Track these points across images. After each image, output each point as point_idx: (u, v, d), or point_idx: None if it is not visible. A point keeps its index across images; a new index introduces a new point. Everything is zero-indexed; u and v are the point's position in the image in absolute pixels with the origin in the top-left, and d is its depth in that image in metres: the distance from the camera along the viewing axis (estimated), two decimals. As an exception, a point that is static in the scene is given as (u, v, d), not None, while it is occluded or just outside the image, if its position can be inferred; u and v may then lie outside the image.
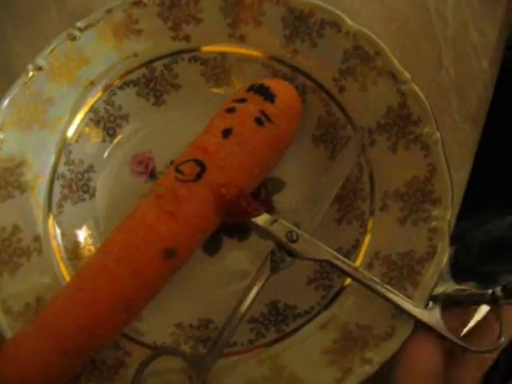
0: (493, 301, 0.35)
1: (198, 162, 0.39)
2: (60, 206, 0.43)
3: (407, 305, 0.37)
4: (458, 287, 0.39)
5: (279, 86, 0.43)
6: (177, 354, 0.37)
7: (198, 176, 0.38)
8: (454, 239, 1.20)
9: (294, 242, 0.38)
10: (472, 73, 0.51)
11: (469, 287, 0.39)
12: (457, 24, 0.52)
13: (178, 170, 0.39)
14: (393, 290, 0.37)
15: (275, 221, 0.39)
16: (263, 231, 0.39)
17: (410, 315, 0.37)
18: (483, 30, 0.52)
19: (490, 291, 0.36)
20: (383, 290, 0.37)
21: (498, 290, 0.35)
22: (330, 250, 0.38)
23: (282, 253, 0.39)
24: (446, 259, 0.40)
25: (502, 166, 0.66)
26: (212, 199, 0.38)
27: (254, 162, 0.41)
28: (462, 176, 0.47)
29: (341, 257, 0.38)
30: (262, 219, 0.39)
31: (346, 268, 0.38)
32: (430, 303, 0.38)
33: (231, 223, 0.41)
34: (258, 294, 0.37)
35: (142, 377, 0.35)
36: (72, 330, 0.34)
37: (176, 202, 0.37)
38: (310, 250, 0.38)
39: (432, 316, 0.36)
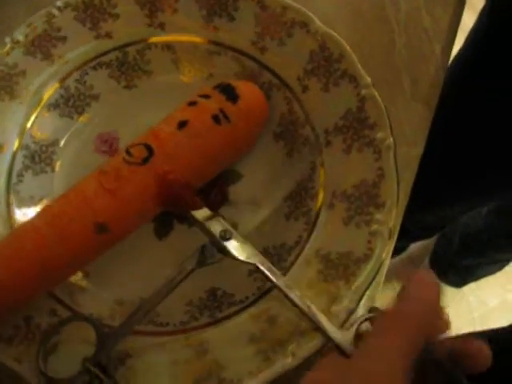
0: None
1: (148, 147, 0.40)
2: (20, 175, 0.44)
3: (324, 322, 0.37)
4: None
5: (246, 88, 0.44)
6: (88, 322, 0.38)
7: (145, 160, 0.39)
8: (435, 229, 1.21)
9: (226, 240, 0.39)
10: (424, 56, 0.52)
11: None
12: (409, 8, 0.54)
13: (127, 152, 0.40)
14: (311, 305, 0.37)
15: (213, 217, 0.40)
16: (199, 225, 0.40)
17: (323, 333, 0.37)
18: (435, 15, 0.54)
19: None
20: (301, 304, 0.37)
21: None
22: (259, 255, 0.39)
23: (213, 249, 0.39)
24: (384, 263, 0.40)
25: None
26: (154, 185, 0.39)
27: (203, 157, 0.41)
28: (415, 153, 0.48)
29: (268, 263, 0.39)
30: (200, 213, 0.40)
31: (269, 275, 0.39)
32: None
33: (173, 211, 0.42)
34: (179, 283, 0.38)
35: (50, 341, 0.36)
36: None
37: (117, 181, 0.38)
38: (240, 251, 0.39)
39: (344, 337, 0.36)
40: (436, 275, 1.23)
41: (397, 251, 1.23)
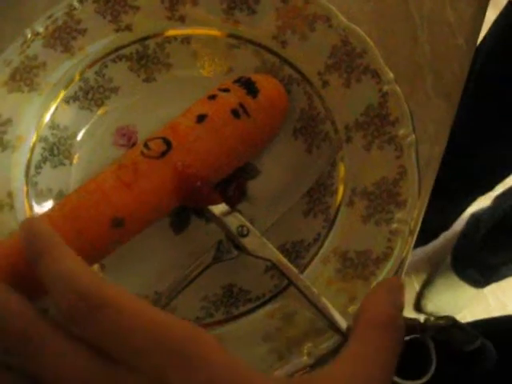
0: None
1: (166, 141, 0.40)
2: (39, 167, 0.44)
3: (341, 321, 0.36)
4: None
5: (266, 83, 0.44)
6: None
7: (163, 154, 0.39)
8: (434, 232, 1.20)
9: (243, 236, 0.39)
10: (447, 51, 0.51)
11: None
12: (433, 3, 0.52)
13: (145, 145, 0.40)
14: (328, 304, 0.37)
15: (230, 212, 0.39)
16: (216, 220, 0.39)
17: (340, 332, 0.36)
18: (459, 8, 0.52)
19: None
20: (319, 302, 0.37)
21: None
22: (276, 251, 0.39)
23: (230, 245, 0.39)
24: (404, 262, 0.39)
25: None
26: (172, 179, 0.39)
27: (221, 151, 0.41)
28: (436, 151, 0.46)
29: (285, 260, 0.38)
30: (218, 208, 0.39)
31: (286, 272, 0.38)
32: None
33: (191, 206, 0.41)
34: (195, 278, 0.38)
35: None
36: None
37: (135, 174, 0.38)
38: (257, 247, 0.39)
39: None
40: (458, 274, 1.22)
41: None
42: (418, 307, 1.25)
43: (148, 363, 0.24)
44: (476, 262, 1.18)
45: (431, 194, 0.45)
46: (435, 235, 1.23)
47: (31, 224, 0.30)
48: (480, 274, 1.19)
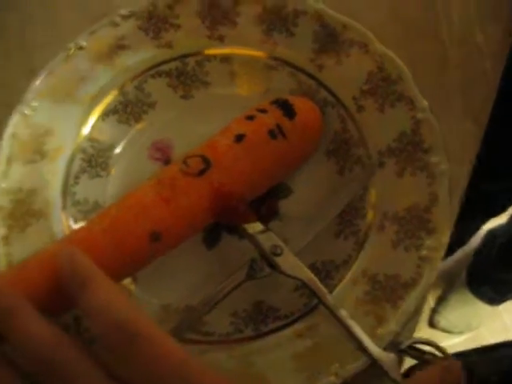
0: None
1: (205, 159, 0.41)
2: (77, 177, 0.46)
3: (368, 342, 0.38)
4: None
5: (303, 105, 0.45)
6: None
7: (201, 172, 0.40)
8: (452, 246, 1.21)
9: (277, 255, 0.40)
10: (476, 73, 0.52)
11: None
12: (463, 25, 0.53)
13: (184, 162, 0.41)
14: (357, 325, 0.38)
15: (265, 231, 0.40)
16: (250, 238, 0.40)
17: (368, 354, 0.37)
18: (488, 31, 0.53)
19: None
20: (348, 322, 0.38)
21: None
22: (308, 271, 0.40)
23: (263, 263, 0.40)
24: (430, 287, 0.40)
25: None
26: (209, 196, 0.40)
27: (257, 171, 0.42)
28: (464, 171, 0.47)
29: (316, 280, 0.39)
30: (252, 226, 0.40)
31: (317, 292, 0.39)
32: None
33: (224, 223, 0.42)
34: (227, 295, 0.39)
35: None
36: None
37: (173, 190, 0.39)
38: (289, 266, 0.40)
39: (389, 359, 0.37)
40: (473, 291, 1.22)
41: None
42: (431, 323, 1.25)
43: None
44: (491, 280, 1.18)
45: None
46: (451, 251, 1.23)
47: (71, 255, 0.31)
48: (495, 292, 1.19)
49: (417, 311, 0.40)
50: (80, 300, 0.29)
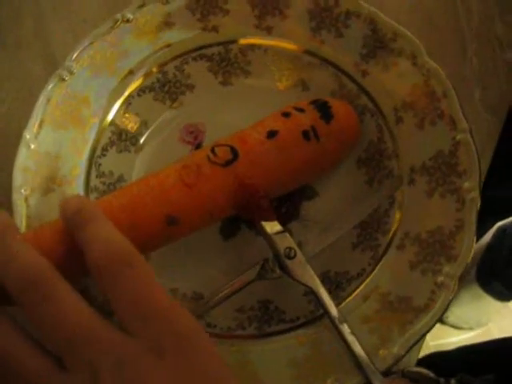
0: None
1: (233, 150, 0.40)
2: (105, 149, 0.46)
3: (366, 361, 0.37)
4: (416, 369, 0.39)
5: (342, 109, 0.43)
6: None
7: (228, 162, 0.40)
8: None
9: (290, 258, 0.39)
10: (495, 64, 0.51)
11: (427, 372, 0.39)
12: (482, 15, 0.52)
13: (212, 151, 0.40)
14: (358, 343, 0.37)
15: (281, 232, 0.40)
16: (266, 237, 0.40)
17: (364, 374, 0.37)
18: (508, 21, 0.52)
19: (443, 380, 0.35)
20: (349, 338, 0.37)
21: (453, 381, 0.35)
22: (317, 280, 0.39)
23: (275, 264, 0.39)
24: (442, 315, 0.39)
25: None
26: (231, 188, 0.39)
27: (285, 170, 0.41)
28: (482, 164, 0.44)
29: (325, 291, 0.39)
30: (270, 225, 0.40)
31: (323, 301, 0.38)
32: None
33: (244, 216, 0.42)
34: (236, 292, 0.39)
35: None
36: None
37: (197, 177, 0.39)
38: (300, 272, 0.39)
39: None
40: (483, 286, 1.20)
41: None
42: (440, 319, 1.23)
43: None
44: (501, 275, 1.15)
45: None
46: None
47: (78, 198, 0.34)
48: (505, 287, 1.16)
49: (424, 337, 0.39)
50: (84, 232, 0.30)
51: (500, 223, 1.19)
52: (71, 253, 0.34)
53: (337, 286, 0.42)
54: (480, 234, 1.16)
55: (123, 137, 0.46)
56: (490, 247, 1.20)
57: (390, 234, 0.42)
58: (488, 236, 1.21)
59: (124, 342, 0.27)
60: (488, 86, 0.50)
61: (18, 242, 0.30)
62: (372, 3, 0.45)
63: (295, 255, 0.39)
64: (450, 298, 0.39)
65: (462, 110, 0.42)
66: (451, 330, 1.25)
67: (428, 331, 0.38)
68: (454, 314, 1.23)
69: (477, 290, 1.22)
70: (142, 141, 0.47)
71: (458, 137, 0.42)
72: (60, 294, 0.28)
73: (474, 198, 0.40)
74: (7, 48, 0.52)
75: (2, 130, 0.50)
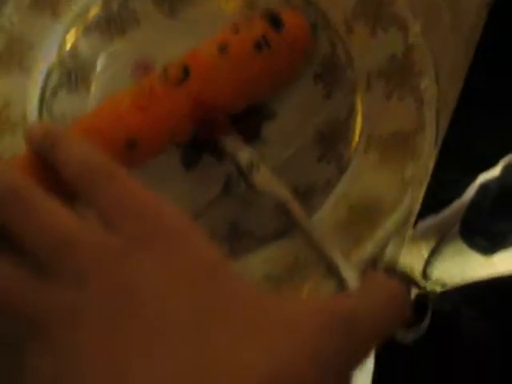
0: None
1: (185, 68, 0.39)
2: (55, 91, 0.44)
3: (342, 265, 0.37)
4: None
5: (291, 18, 0.42)
6: None
7: (181, 81, 0.39)
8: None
9: (254, 172, 0.39)
10: None
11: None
12: None
13: (164, 71, 0.39)
14: (333, 248, 0.37)
15: (243, 147, 0.39)
16: (227, 154, 0.39)
17: (340, 277, 0.37)
18: None
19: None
20: (322, 245, 0.37)
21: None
22: (285, 191, 0.39)
23: (240, 180, 0.39)
24: (412, 214, 0.39)
25: None
26: (187, 105, 0.39)
27: (240, 83, 0.40)
28: (452, 94, 0.44)
29: (293, 201, 0.39)
30: (230, 142, 0.39)
31: (295, 213, 0.38)
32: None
33: (203, 138, 0.41)
34: (204, 211, 0.38)
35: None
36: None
37: (149, 98, 0.38)
38: (267, 184, 0.39)
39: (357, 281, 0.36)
40: (466, 241, 1.22)
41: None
42: (425, 275, 1.25)
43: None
44: (484, 229, 1.17)
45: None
46: (444, 205, 1.22)
47: (42, 123, 0.34)
48: (488, 241, 1.18)
49: (398, 234, 0.39)
50: (58, 152, 0.29)
51: (483, 180, 1.20)
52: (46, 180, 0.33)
53: (306, 199, 0.41)
54: (463, 185, 1.17)
55: (72, 77, 0.45)
56: (473, 203, 1.22)
57: (353, 142, 0.42)
58: (471, 192, 1.23)
59: (110, 241, 0.26)
60: (459, 11, 0.46)
61: None
62: None
63: (259, 169, 0.39)
64: (417, 195, 0.39)
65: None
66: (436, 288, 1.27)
67: (397, 230, 0.38)
68: (438, 270, 1.25)
69: (460, 244, 1.24)
70: (92, 79, 0.46)
71: (411, 40, 0.42)
72: (41, 203, 0.27)
73: (432, 95, 0.40)
74: None
75: None
